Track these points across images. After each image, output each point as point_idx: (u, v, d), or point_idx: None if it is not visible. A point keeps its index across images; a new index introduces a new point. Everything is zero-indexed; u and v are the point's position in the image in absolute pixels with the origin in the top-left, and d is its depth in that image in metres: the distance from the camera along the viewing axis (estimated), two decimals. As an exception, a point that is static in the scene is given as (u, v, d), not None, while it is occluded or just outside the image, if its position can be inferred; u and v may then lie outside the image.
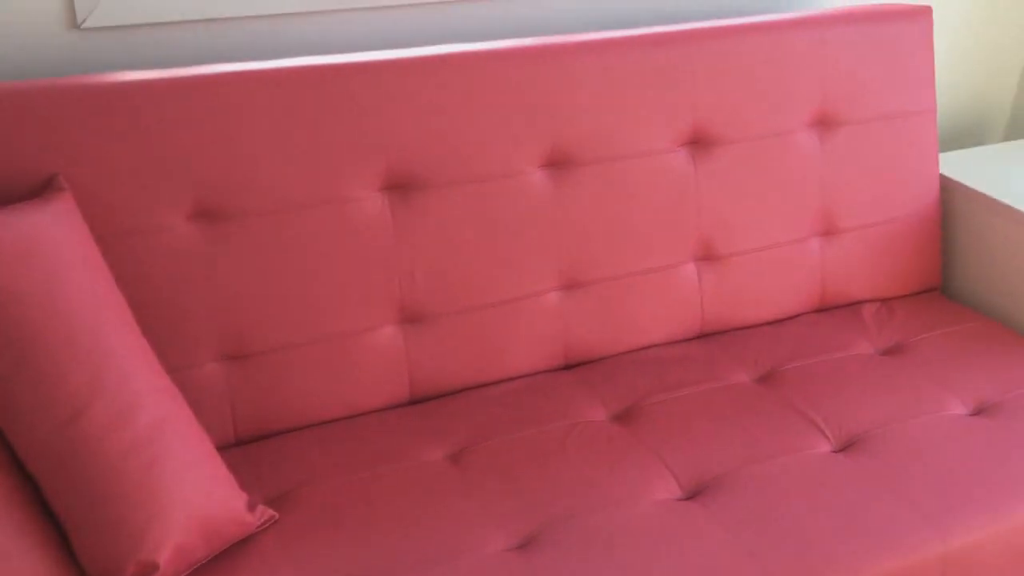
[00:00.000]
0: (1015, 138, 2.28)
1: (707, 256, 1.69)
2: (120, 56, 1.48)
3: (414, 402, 1.53)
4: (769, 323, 1.76)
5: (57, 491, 1.10)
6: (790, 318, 1.77)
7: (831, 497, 1.32)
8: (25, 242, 1.13)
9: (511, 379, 1.59)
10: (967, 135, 2.23)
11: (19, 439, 1.10)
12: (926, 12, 1.77)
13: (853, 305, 1.81)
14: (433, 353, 1.52)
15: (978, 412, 1.51)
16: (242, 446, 1.42)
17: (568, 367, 1.64)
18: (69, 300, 1.13)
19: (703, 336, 1.72)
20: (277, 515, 1.26)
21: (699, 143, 1.65)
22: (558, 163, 1.56)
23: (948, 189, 1.87)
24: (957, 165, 1.93)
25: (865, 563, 1.23)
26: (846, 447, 1.43)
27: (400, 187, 1.46)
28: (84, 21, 1.44)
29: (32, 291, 1.11)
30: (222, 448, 1.42)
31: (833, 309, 1.81)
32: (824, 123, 1.73)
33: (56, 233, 1.16)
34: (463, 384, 1.55)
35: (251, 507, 1.23)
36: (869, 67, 1.73)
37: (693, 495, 1.34)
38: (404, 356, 1.50)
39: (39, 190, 1.25)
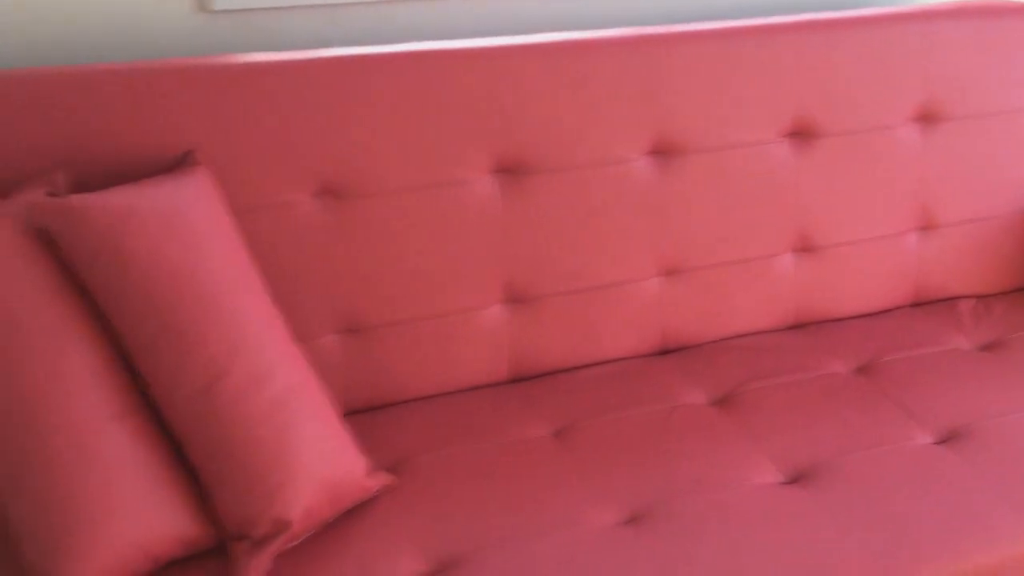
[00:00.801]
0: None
1: (804, 247, 1.70)
2: (245, 39, 1.54)
3: (514, 380, 1.58)
4: (863, 315, 1.77)
5: (197, 451, 1.16)
6: (884, 311, 1.78)
7: (931, 487, 1.33)
8: (169, 213, 1.19)
9: (608, 362, 1.62)
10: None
11: (163, 401, 1.17)
12: (1033, 8, 1.76)
13: (948, 300, 1.81)
14: (534, 333, 1.56)
15: (1079, 410, 1.51)
16: (354, 416, 1.47)
17: (663, 352, 1.67)
18: (210, 269, 1.19)
19: (797, 326, 1.73)
20: (394, 481, 1.32)
21: (801, 135, 1.66)
22: (663, 151, 1.58)
23: (1048, 187, 1.86)
24: (1057, 163, 1.92)
25: (966, 552, 1.24)
26: (945, 440, 1.44)
27: (509, 171, 1.50)
28: (213, 4, 1.50)
29: (175, 260, 1.17)
30: (334, 418, 1.47)
31: (928, 304, 1.81)
32: (927, 118, 1.73)
33: (196, 205, 1.22)
34: (561, 365, 1.59)
35: (370, 472, 1.28)
36: (974, 63, 1.72)
37: (794, 480, 1.37)
38: (507, 335, 1.54)
39: (176, 165, 1.31)
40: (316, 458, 1.19)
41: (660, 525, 1.26)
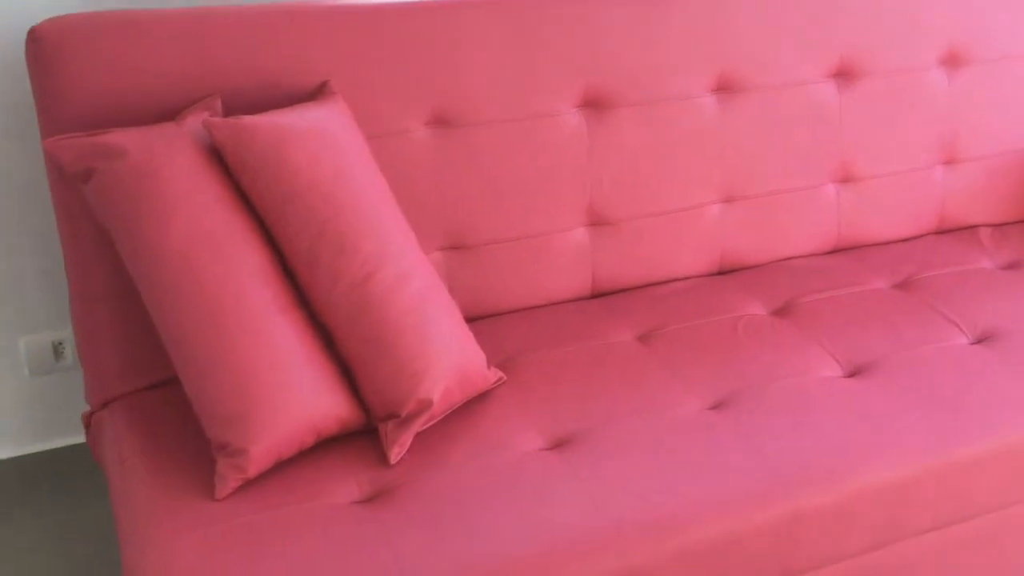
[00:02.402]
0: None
1: (846, 178, 1.89)
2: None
3: (595, 295, 1.75)
4: (896, 241, 1.96)
5: (352, 339, 1.32)
6: (914, 238, 1.98)
7: (972, 377, 1.52)
8: (322, 133, 1.35)
9: (676, 280, 1.80)
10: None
11: (318, 296, 1.33)
12: (1047, -39, 1.95)
13: (969, 228, 2.01)
14: (613, 253, 1.73)
15: (1093, 315, 1.71)
16: (458, 325, 1.64)
17: (722, 272, 1.85)
18: (357, 183, 1.35)
19: (839, 250, 1.93)
20: (506, 377, 1.49)
21: (844, 75, 1.85)
22: (724, 88, 1.76)
23: (1056, 127, 2.06)
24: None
25: (1006, 426, 1.44)
26: (980, 340, 1.64)
27: (594, 105, 1.67)
28: (321, -46, 1.64)
29: (329, 174, 1.33)
30: (437, 328, 1.64)
31: (951, 231, 2.01)
32: (953, 61, 1.92)
33: (342, 128, 1.38)
34: (636, 282, 1.77)
35: (489, 366, 1.45)
36: (995, 10, 1.91)
37: (853, 374, 1.56)
38: (590, 254, 1.72)
39: (314, 95, 1.46)
40: (450, 347, 1.36)
41: (742, 409, 1.45)
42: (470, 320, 1.65)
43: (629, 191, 1.72)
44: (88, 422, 1.50)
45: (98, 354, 1.45)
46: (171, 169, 1.26)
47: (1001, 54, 1.93)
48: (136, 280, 1.29)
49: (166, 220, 1.25)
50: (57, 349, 1.82)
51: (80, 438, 1.92)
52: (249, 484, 1.26)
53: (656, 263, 1.77)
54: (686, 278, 1.81)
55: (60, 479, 1.87)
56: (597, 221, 1.72)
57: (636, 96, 1.69)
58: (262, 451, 1.24)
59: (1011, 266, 1.88)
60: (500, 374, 1.48)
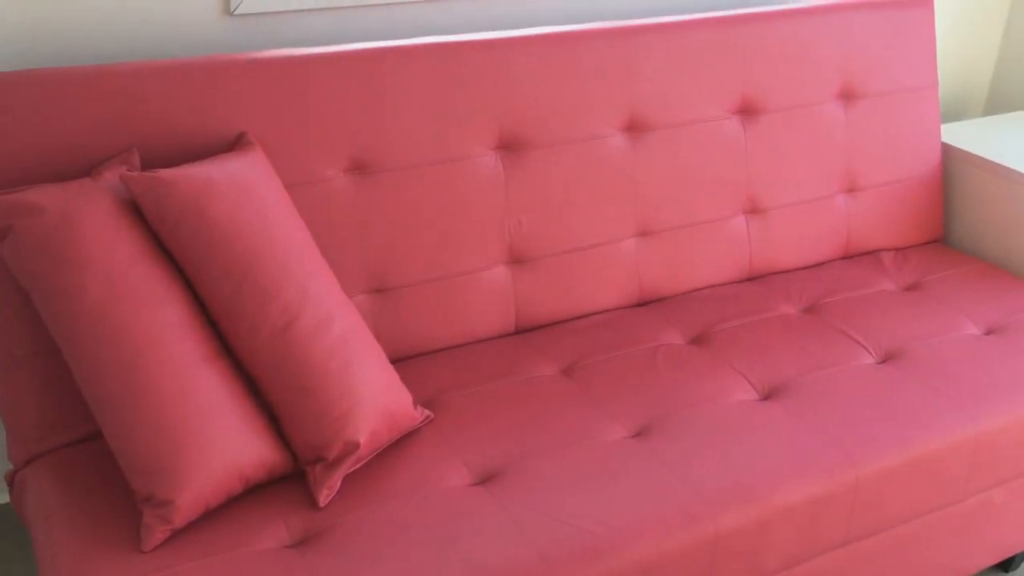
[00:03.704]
0: (993, 113, 2.60)
1: (753, 209, 1.97)
2: (263, 39, 1.72)
3: (519, 331, 1.79)
4: (804, 267, 2.05)
5: (277, 386, 1.34)
6: (821, 264, 2.07)
7: (878, 396, 1.61)
8: (239, 184, 1.37)
9: (596, 313, 1.85)
10: (948, 112, 2.55)
11: (241, 345, 1.34)
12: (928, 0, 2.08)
13: (872, 253, 2.11)
14: (534, 289, 1.78)
15: (989, 332, 1.81)
16: (384, 367, 1.66)
17: (640, 304, 1.91)
18: (277, 230, 1.37)
19: (751, 278, 2.00)
20: (433, 415, 1.51)
21: (747, 112, 1.93)
22: (634, 128, 1.83)
23: (947, 154, 2.17)
24: (952, 134, 2.24)
25: (910, 442, 1.52)
26: (885, 360, 1.72)
27: (509, 147, 1.73)
28: (236, 8, 1.67)
29: (249, 223, 1.35)
30: (364, 370, 1.66)
31: (856, 256, 2.10)
32: (848, 96, 2.02)
33: (260, 178, 1.40)
34: (558, 317, 1.81)
35: (415, 405, 1.48)
36: (884, 48, 2.03)
37: (768, 397, 1.62)
38: (511, 292, 1.76)
39: (232, 146, 1.49)
40: (376, 389, 1.38)
41: (663, 436, 1.50)
42: (396, 361, 1.68)
43: (547, 229, 1.77)
44: (11, 481, 1.48)
45: (20, 412, 1.44)
46: (87, 224, 1.27)
47: (889, 89, 2.04)
48: (56, 336, 1.29)
49: (83, 275, 1.25)
50: (-23, 409, 1.79)
51: (4, 498, 1.88)
52: (177, 534, 1.27)
53: (576, 297, 1.82)
54: (606, 311, 1.86)
55: (-17, 542, 1.83)
56: (517, 259, 1.76)
57: (549, 137, 1.74)
58: (188, 501, 1.25)
59: (912, 287, 1.98)
60: (427, 413, 1.51)
